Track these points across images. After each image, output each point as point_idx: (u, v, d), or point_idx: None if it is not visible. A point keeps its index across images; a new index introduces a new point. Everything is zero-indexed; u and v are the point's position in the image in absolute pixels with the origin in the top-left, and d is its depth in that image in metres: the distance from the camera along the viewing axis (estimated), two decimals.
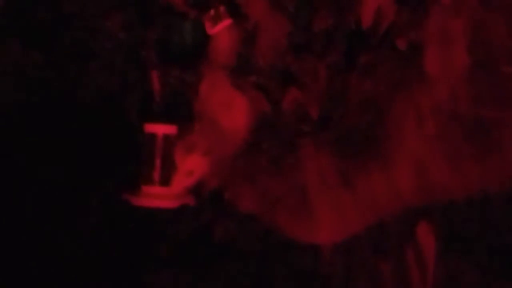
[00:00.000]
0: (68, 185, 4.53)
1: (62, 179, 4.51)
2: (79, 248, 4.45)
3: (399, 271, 4.38)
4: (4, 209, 4.41)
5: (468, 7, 4.28)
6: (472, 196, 4.26)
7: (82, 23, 4.78)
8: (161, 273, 4.50)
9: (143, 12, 4.89)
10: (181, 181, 4.55)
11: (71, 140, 4.60)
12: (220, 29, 4.75)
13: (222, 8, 4.75)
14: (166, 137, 4.57)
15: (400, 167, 4.38)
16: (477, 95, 4.27)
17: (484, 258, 4.30)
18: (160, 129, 4.58)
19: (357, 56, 4.50)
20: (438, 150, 4.30)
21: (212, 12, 4.76)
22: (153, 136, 4.56)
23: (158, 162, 4.56)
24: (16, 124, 4.56)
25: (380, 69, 4.45)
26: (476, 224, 4.32)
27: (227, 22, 4.74)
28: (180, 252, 4.53)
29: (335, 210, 4.46)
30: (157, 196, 4.51)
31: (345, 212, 4.45)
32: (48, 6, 4.72)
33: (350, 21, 4.52)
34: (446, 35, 4.29)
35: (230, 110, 4.65)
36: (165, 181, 4.54)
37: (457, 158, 4.26)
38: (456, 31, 4.27)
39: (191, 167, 4.57)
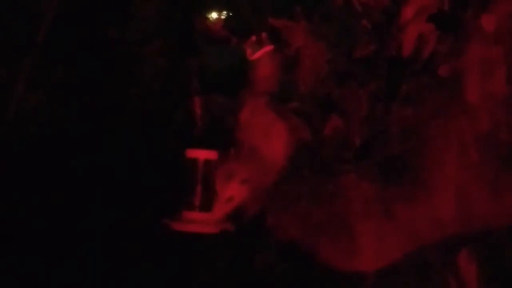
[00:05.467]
0: (109, 209, 4.94)
1: (103, 202, 4.92)
2: (119, 272, 4.83)
3: None
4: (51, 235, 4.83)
5: (509, 35, 4.61)
6: None
7: (123, 49, 5.22)
8: None
9: (184, 39, 5.33)
10: (221, 207, 4.95)
11: (112, 164, 5.02)
12: (262, 55, 5.17)
13: (264, 35, 5.17)
14: (207, 162, 4.99)
15: (442, 195, 4.67)
16: None
17: None
18: (202, 155, 5.00)
19: (399, 83, 4.85)
20: (479, 178, 4.60)
21: (253, 38, 5.18)
22: (194, 161, 4.98)
23: (198, 187, 4.97)
24: (58, 147, 5.00)
25: (421, 96, 4.78)
26: None
27: (268, 48, 5.16)
28: (220, 277, 4.87)
29: (376, 238, 4.75)
30: (197, 222, 4.93)
31: (386, 240, 4.73)
32: (91, 32, 5.16)
33: (391, 48, 4.89)
34: (486, 63, 4.63)
35: (270, 137, 5.03)
36: (206, 206, 4.95)
37: (498, 186, 4.55)
38: (496, 59, 4.61)
39: (231, 193, 4.96)
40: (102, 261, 4.82)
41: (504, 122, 4.59)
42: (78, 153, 5.02)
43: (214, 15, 5.57)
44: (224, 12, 5.59)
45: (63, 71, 5.12)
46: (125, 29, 5.25)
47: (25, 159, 4.97)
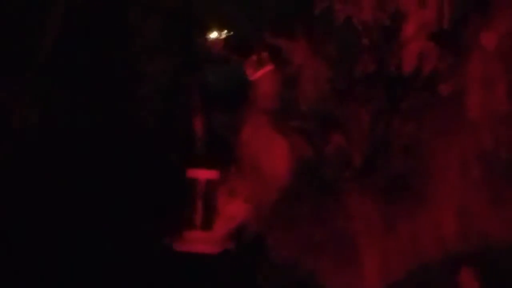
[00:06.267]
0: (109, 229, 4.95)
1: (103, 221, 4.94)
2: None
3: None
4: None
5: (509, 52, 4.66)
6: None
7: (124, 68, 5.25)
8: None
9: (185, 58, 5.36)
10: (223, 226, 4.97)
11: (113, 183, 5.04)
12: (263, 74, 5.20)
13: (264, 54, 5.21)
14: (208, 182, 5.02)
15: (444, 211, 4.70)
16: None
17: None
18: (202, 174, 5.03)
19: (399, 101, 4.89)
20: (481, 194, 4.63)
21: (254, 57, 5.22)
22: (195, 181, 5.02)
23: (199, 206, 5.00)
24: (59, 164, 5.03)
25: (422, 114, 4.82)
26: None
27: (269, 67, 5.19)
28: None
29: (379, 256, 4.77)
30: (198, 241, 4.94)
31: (389, 258, 4.75)
32: (92, 50, 5.20)
33: (392, 66, 4.93)
34: (487, 80, 4.67)
35: (271, 154, 5.06)
36: (207, 225, 4.98)
37: (499, 202, 4.58)
38: (497, 76, 4.65)
39: (233, 212, 4.99)
40: (102, 281, 4.83)
41: (505, 139, 4.64)
42: (78, 172, 5.03)
43: (214, 34, 5.61)
44: (225, 31, 5.63)
45: (64, 89, 5.15)
46: (126, 48, 5.28)
47: (26, 178, 4.99)
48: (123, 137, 5.12)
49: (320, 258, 4.83)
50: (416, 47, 4.89)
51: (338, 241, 4.84)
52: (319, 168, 5.04)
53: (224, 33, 5.62)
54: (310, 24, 5.17)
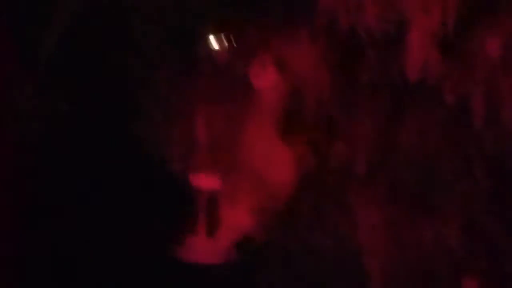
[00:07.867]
0: (109, 236, 4.96)
1: (103, 228, 4.95)
2: None
3: None
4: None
5: None
6: None
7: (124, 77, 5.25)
8: None
9: (187, 66, 5.34)
10: (226, 235, 4.95)
11: (113, 190, 5.05)
12: (266, 80, 5.17)
13: (268, 60, 5.16)
14: (211, 189, 4.99)
15: (449, 220, 4.71)
16: None
17: None
18: (205, 181, 5.00)
19: (404, 110, 4.87)
20: (486, 202, 4.63)
21: (258, 64, 5.18)
22: (197, 188, 4.99)
23: (202, 215, 4.97)
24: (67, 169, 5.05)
25: (427, 122, 4.81)
26: None
27: (273, 75, 5.16)
28: None
29: (383, 265, 4.78)
30: (201, 250, 4.93)
31: (393, 267, 4.76)
32: (94, 59, 5.20)
33: (396, 74, 4.89)
34: (492, 87, 4.66)
35: (274, 164, 5.04)
36: (210, 234, 4.95)
37: (508, 212, 4.58)
38: (502, 83, 4.64)
39: (236, 221, 4.97)
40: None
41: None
42: (79, 179, 5.05)
43: (217, 37, 5.54)
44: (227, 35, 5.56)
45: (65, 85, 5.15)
46: (128, 56, 5.27)
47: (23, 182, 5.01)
48: (123, 145, 5.12)
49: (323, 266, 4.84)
50: (421, 55, 4.86)
51: (342, 250, 4.84)
52: (323, 178, 5.03)
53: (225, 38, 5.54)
54: (314, 32, 5.14)
